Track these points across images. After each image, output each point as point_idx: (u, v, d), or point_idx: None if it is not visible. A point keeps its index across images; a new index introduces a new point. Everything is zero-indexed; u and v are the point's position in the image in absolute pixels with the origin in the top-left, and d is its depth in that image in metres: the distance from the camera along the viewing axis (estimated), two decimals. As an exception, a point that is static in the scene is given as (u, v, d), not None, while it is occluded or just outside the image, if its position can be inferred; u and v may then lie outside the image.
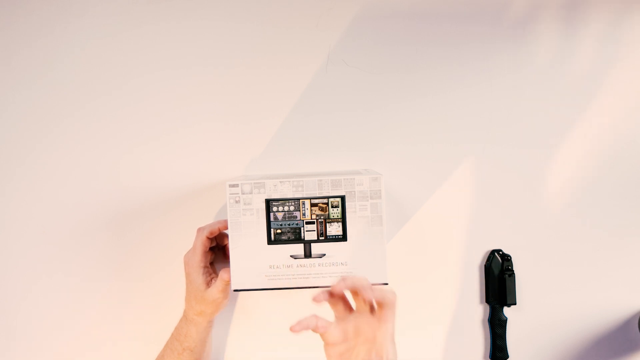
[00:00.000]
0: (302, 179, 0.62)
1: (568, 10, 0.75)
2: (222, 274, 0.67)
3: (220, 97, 0.76)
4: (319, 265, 0.62)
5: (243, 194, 0.62)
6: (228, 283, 0.67)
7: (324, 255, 0.62)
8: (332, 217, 0.62)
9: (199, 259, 0.68)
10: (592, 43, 0.75)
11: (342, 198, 0.62)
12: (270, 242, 0.63)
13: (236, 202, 0.62)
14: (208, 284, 0.68)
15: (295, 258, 0.63)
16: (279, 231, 0.62)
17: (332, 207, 0.62)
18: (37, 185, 0.77)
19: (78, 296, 0.77)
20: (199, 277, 0.68)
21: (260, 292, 0.77)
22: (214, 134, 0.76)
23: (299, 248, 0.63)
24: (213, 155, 0.76)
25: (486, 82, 0.76)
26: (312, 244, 0.63)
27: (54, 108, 0.77)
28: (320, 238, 0.63)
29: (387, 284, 0.62)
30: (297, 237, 0.62)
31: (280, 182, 0.62)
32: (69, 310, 0.77)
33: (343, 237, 0.63)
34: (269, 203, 0.62)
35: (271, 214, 0.62)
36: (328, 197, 0.62)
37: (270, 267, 0.62)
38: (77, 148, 0.77)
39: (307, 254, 0.62)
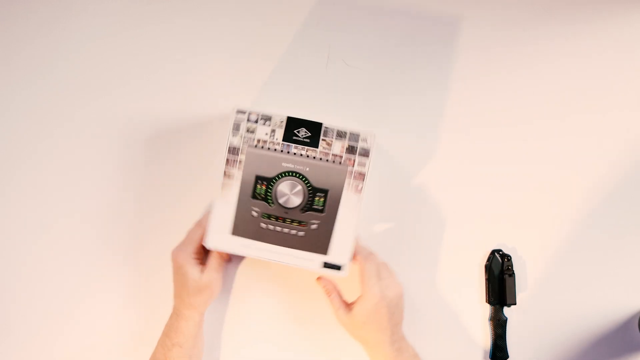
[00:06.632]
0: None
1: (568, 10, 0.75)
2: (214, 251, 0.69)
3: (218, 96, 0.76)
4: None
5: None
6: (222, 258, 0.70)
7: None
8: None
9: (193, 251, 0.68)
10: (593, 43, 0.75)
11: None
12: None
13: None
14: (202, 272, 0.69)
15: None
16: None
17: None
18: (37, 187, 0.77)
19: (75, 292, 0.78)
20: (194, 268, 0.68)
21: (256, 288, 0.77)
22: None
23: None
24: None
25: (486, 81, 0.76)
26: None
27: (54, 108, 0.77)
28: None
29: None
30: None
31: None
32: (65, 307, 0.78)
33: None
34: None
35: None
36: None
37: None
38: (75, 148, 0.77)
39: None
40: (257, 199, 0.66)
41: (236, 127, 0.66)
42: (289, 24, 0.76)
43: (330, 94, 0.76)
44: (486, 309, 0.77)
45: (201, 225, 0.69)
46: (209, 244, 0.67)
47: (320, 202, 0.66)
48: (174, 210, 0.76)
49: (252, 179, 0.66)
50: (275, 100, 0.76)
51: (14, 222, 0.77)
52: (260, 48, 0.76)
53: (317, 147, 0.66)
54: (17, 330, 0.77)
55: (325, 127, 0.66)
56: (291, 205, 0.66)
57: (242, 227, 0.67)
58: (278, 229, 0.67)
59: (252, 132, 0.66)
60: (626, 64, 0.75)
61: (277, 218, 0.67)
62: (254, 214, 0.66)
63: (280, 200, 0.66)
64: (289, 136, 0.66)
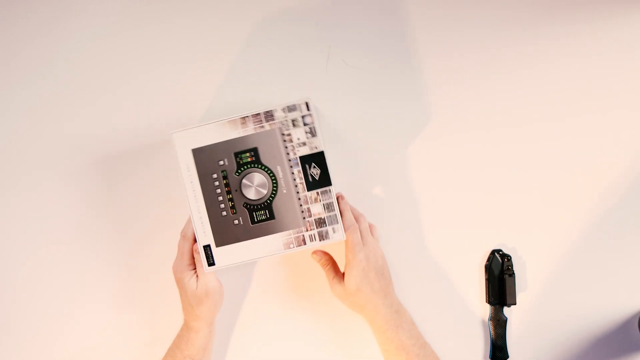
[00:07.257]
0: None
1: (568, 10, 0.75)
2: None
3: (217, 96, 0.76)
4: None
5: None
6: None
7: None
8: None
9: (187, 263, 0.68)
10: (593, 43, 0.75)
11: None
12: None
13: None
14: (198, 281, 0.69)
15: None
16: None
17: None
18: (37, 187, 0.77)
19: (75, 292, 0.78)
20: (191, 279, 0.68)
21: (257, 300, 0.77)
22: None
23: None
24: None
25: (486, 81, 0.76)
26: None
27: (54, 108, 0.77)
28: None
29: None
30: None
31: None
32: (65, 307, 0.78)
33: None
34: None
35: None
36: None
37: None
38: (77, 148, 0.77)
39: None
40: (225, 179, 0.67)
41: (290, 109, 0.67)
42: (289, 24, 0.76)
43: (330, 94, 0.76)
44: (486, 309, 0.77)
45: (185, 234, 0.69)
46: (209, 269, 0.67)
47: (261, 217, 0.67)
48: (175, 210, 0.76)
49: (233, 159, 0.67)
50: (275, 99, 0.76)
51: (15, 222, 0.77)
52: (261, 48, 0.76)
53: (309, 190, 0.67)
54: (17, 330, 0.77)
55: (329, 190, 0.67)
56: (247, 194, 0.67)
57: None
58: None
59: (294, 125, 0.67)
60: (626, 64, 0.75)
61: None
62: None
63: (243, 181, 0.67)
64: (305, 160, 0.67)
